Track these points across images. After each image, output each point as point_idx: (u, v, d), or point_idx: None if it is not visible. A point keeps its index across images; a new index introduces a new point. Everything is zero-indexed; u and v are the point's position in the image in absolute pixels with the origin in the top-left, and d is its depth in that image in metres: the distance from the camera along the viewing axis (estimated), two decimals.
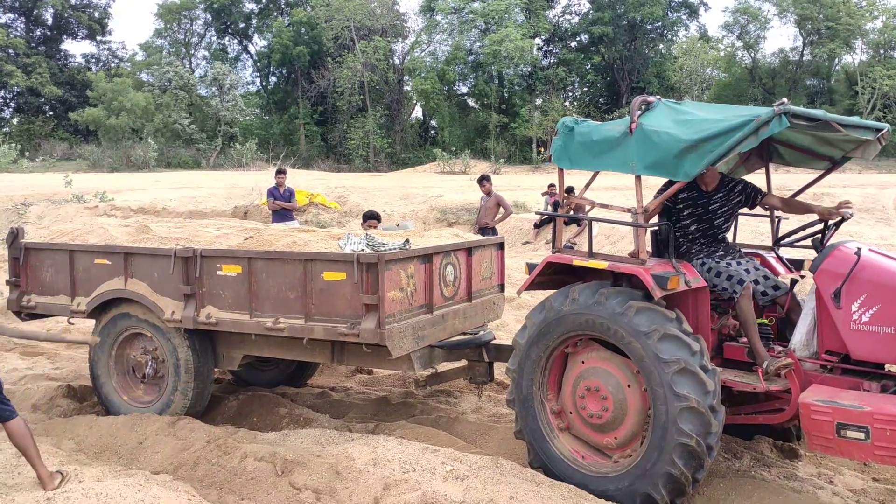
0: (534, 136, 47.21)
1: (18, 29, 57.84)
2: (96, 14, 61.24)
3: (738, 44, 51.67)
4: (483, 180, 12.14)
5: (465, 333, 6.01)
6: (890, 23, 44.75)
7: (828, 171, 5.24)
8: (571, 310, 4.60)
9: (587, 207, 5.28)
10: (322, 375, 7.68)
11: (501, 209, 12.03)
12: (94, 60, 62.07)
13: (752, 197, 5.13)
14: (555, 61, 52.98)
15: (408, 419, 6.09)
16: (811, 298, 4.57)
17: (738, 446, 5.34)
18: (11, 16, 57.47)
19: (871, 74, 42.32)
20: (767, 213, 5.42)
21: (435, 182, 31.33)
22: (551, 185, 18.07)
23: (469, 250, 5.98)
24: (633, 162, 4.44)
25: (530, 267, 5.01)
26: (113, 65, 60.10)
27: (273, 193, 12.24)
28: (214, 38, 62.33)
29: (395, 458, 4.60)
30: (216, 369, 6.26)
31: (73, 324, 6.73)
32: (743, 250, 5.24)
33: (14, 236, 6.35)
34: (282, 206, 12.19)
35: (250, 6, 61.09)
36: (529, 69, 49.99)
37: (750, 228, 11.02)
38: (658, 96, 4.71)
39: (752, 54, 51.52)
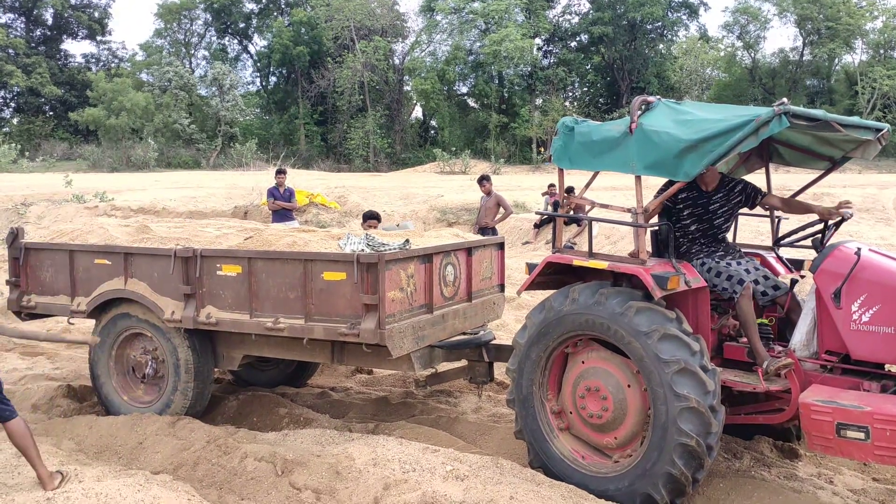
0: (534, 136, 47.22)
1: (18, 29, 57.86)
2: (96, 14, 61.27)
3: (738, 44, 51.70)
4: (483, 180, 12.14)
5: (465, 333, 6.01)
6: (890, 23, 44.76)
7: (828, 171, 5.24)
8: (571, 310, 4.60)
9: (587, 207, 5.28)
10: (322, 375, 7.68)
11: (501, 209, 12.04)
12: (94, 60, 62.16)
13: (753, 197, 5.13)
14: (555, 61, 52.99)
15: (408, 419, 6.09)
16: (811, 298, 4.57)
17: (738, 446, 5.34)
18: (11, 16, 57.55)
19: (871, 74, 42.33)
20: (767, 213, 5.43)
21: (435, 182, 31.34)
22: (551, 185, 18.07)
23: (469, 250, 5.98)
24: (633, 162, 4.44)
25: (530, 267, 5.01)
26: (113, 65, 60.12)
27: (273, 193, 12.24)
28: (214, 38, 62.39)
29: (395, 458, 4.60)
30: (216, 369, 6.26)
31: (73, 324, 6.74)
32: (743, 250, 5.24)
33: (14, 236, 6.35)
34: (282, 206, 12.19)
35: (250, 6, 61.16)
36: (529, 69, 50.00)
37: (750, 228, 11.02)
38: (658, 96, 4.71)
39: (752, 54, 51.54)
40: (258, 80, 62.24)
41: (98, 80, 48.78)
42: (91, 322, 6.38)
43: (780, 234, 5.32)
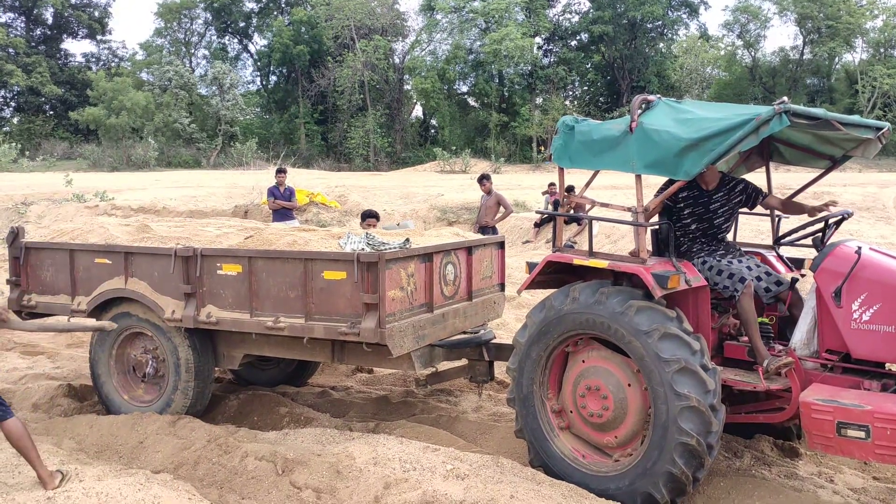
0: (534, 135, 47.21)
1: (18, 28, 57.86)
2: (96, 13, 61.27)
3: (739, 42, 51.69)
4: (483, 179, 12.14)
5: (465, 332, 6.01)
6: (890, 21, 44.74)
7: (828, 170, 5.24)
8: (572, 309, 4.60)
9: (587, 206, 5.28)
10: (322, 374, 7.68)
11: (502, 208, 12.03)
12: (94, 60, 62.16)
13: (753, 197, 5.13)
14: (555, 60, 52.98)
15: (408, 418, 6.09)
16: (811, 297, 4.57)
17: (739, 445, 5.34)
18: (11, 15, 57.54)
19: (872, 73, 42.30)
20: (768, 212, 5.43)
21: (435, 181, 31.33)
22: (551, 184, 18.06)
23: (469, 249, 5.98)
24: (633, 161, 4.44)
25: (530, 266, 5.01)
26: (113, 64, 60.11)
27: (273, 192, 12.24)
28: (214, 38, 62.39)
29: (395, 457, 4.60)
30: (217, 368, 6.26)
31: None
32: (743, 249, 5.24)
33: (14, 236, 6.35)
34: (282, 206, 12.19)
35: (250, 5, 61.18)
36: (530, 68, 50.00)
37: (750, 227, 11.03)
38: (658, 95, 4.71)
39: (753, 53, 51.52)
40: (258, 79, 62.36)
41: (98, 80, 48.78)
42: (91, 321, 6.37)
43: (780, 233, 5.32)
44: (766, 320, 4.99)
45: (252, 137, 49.15)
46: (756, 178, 5.57)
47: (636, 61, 51.94)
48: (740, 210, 5.21)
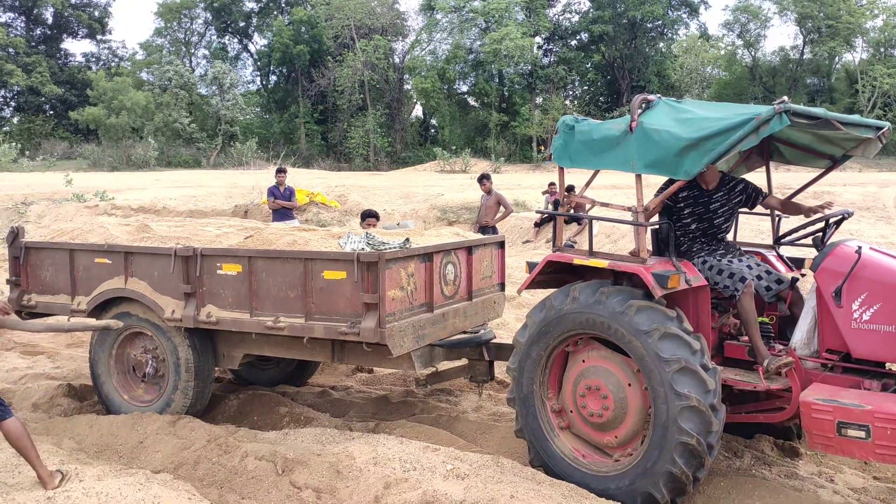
0: (534, 134, 47.20)
1: (18, 28, 57.87)
2: (96, 13, 61.27)
3: (739, 42, 51.68)
4: (483, 179, 12.14)
5: (465, 332, 6.01)
6: (890, 21, 44.74)
7: (828, 170, 5.23)
8: (572, 308, 4.60)
9: (587, 206, 5.27)
10: (322, 374, 7.68)
11: (502, 208, 12.03)
12: (94, 59, 62.17)
13: (753, 197, 5.13)
14: (555, 60, 52.97)
15: (408, 418, 6.09)
16: (812, 297, 4.57)
17: (739, 445, 5.34)
18: (11, 15, 57.55)
19: (872, 73, 42.29)
20: (768, 212, 5.43)
21: (435, 181, 31.33)
22: (551, 184, 18.06)
23: (469, 249, 5.98)
24: (633, 160, 4.44)
25: (531, 266, 5.01)
26: (113, 64, 60.12)
27: (273, 192, 12.24)
28: (214, 37, 62.39)
29: (395, 457, 4.60)
30: (216, 368, 6.26)
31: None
32: (743, 249, 5.24)
33: (14, 235, 6.35)
34: (282, 205, 12.19)
35: (250, 5, 61.19)
36: (530, 68, 49.99)
37: (751, 227, 11.03)
38: (658, 95, 4.71)
39: (753, 53, 51.51)
40: (258, 78, 62.36)
41: (98, 80, 48.78)
42: (91, 321, 6.37)
43: (780, 233, 5.31)
44: (766, 320, 4.98)
45: (252, 137, 49.14)
46: (756, 177, 5.57)
47: (636, 61, 51.93)
48: (740, 210, 5.21)
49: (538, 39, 52.56)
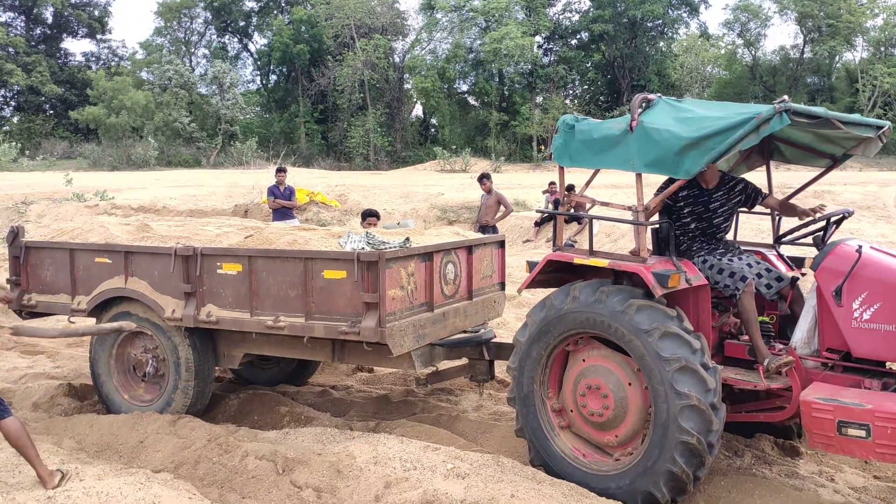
0: (534, 134, 47.17)
1: (18, 27, 57.84)
2: (96, 12, 61.23)
3: (739, 41, 51.64)
4: (483, 178, 12.14)
5: (465, 331, 6.01)
6: (890, 20, 44.71)
7: (829, 169, 5.23)
8: (572, 308, 4.60)
9: (588, 205, 5.27)
10: (323, 374, 7.68)
11: (502, 207, 12.03)
12: (94, 59, 62.15)
13: (753, 197, 5.13)
14: (555, 59, 52.94)
15: (409, 417, 6.09)
16: (812, 296, 4.57)
17: (739, 444, 5.34)
18: (11, 14, 57.51)
19: (872, 72, 42.26)
20: (768, 211, 5.42)
21: (435, 180, 31.32)
22: (552, 183, 18.05)
23: (469, 248, 5.98)
24: (633, 160, 4.44)
25: (531, 265, 5.01)
26: (113, 63, 60.09)
27: (273, 192, 12.24)
28: (214, 37, 62.37)
29: (396, 457, 4.60)
30: (217, 368, 6.26)
31: (73, 322, 6.73)
32: (743, 248, 5.24)
33: (14, 235, 6.35)
34: (282, 205, 12.18)
35: (250, 4, 61.15)
36: (530, 67, 49.96)
37: (751, 226, 11.02)
38: (659, 94, 4.70)
39: (753, 52, 51.48)
40: (258, 78, 62.34)
41: (98, 79, 48.75)
42: (92, 321, 6.37)
43: (780, 232, 5.31)
44: (766, 319, 4.98)
45: (252, 136, 49.12)
46: (756, 176, 5.57)
47: (636, 60, 51.90)
48: (739, 210, 5.21)
49: (538, 39, 52.52)
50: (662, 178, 4.82)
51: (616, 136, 4.55)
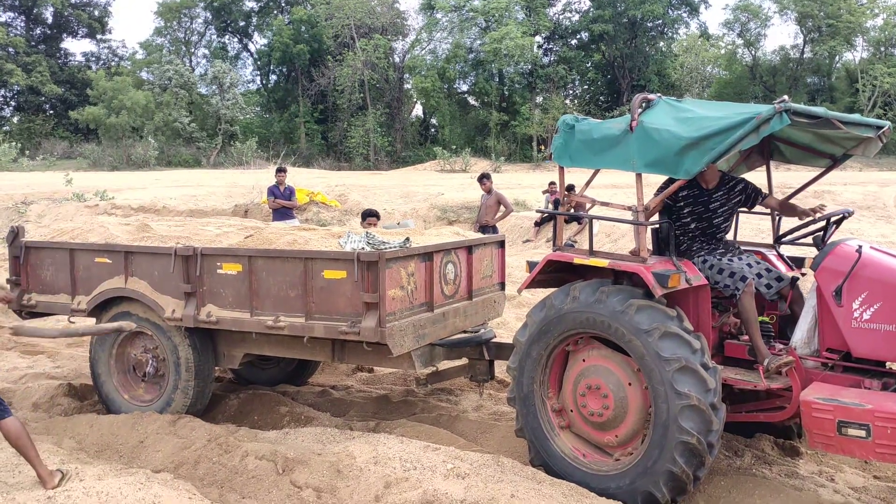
0: (534, 134, 47.17)
1: (18, 27, 57.84)
2: (96, 12, 61.23)
3: (739, 41, 51.63)
4: (483, 178, 12.13)
5: (465, 331, 6.01)
6: (890, 20, 44.71)
7: (829, 169, 5.23)
8: (572, 308, 4.60)
9: (588, 205, 5.27)
10: (323, 374, 7.68)
11: (502, 207, 12.03)
12: (94, 59, 62.14)
13: (753, 198, 5.13)
14: (555, 59, 52.94)
15: (409, 417, 6.09)
16: (812, 296, 4.57)
17: (739, 444, 5.34)
18: (11, 14, 57.51)
19: (872, 72, 42.26)
20: (768, 211, 5.42)
21: (435, 180, 31.32)
22: (552, 183, 18.05)
23: (469, 248, 5.98)
24: (633, 160, 4.44)
25: (531, 265, 5.01)
26: (113, 63, 60.08)
27: (273, 192, 12.23)
28: (214, 37, 62.36)
29: (396, 457, 4.60)
30: (217, 368, 6.26)
31: (73, 322, 6.73)
32: (742, 248, 5.24)
33: (14, 235, 6.35)
34: (282, 205, 12.18)
35: (250, 4, 61.14)
36: (530, 67, 49.96)
37: (751, 226, 11.02)
38: (659, 94, 4.70)
39: (753, 52, 51.48)
40: (258, 78, 62.33)
41: (98, 79, 48.75)
42: (92, 321, 6.37)
43: (780, 232, 5.31)
44: (766, 319, 4.98)
45: (252, 136, 49.11)
46: (756, 177, 5.57)
47: (636, 60, 51.90)
48: (739, 210, 5.21)
49: (538, 39, 52.52)
50: (662, 178, 4.82)
51: (616, 136, 4.55)
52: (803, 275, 5.22)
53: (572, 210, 4.99)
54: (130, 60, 59.74)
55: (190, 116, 49.76)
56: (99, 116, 46.51)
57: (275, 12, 60.37)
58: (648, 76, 50.10)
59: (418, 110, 58.88)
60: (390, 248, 5.12)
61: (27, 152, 43.43)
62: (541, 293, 5.27)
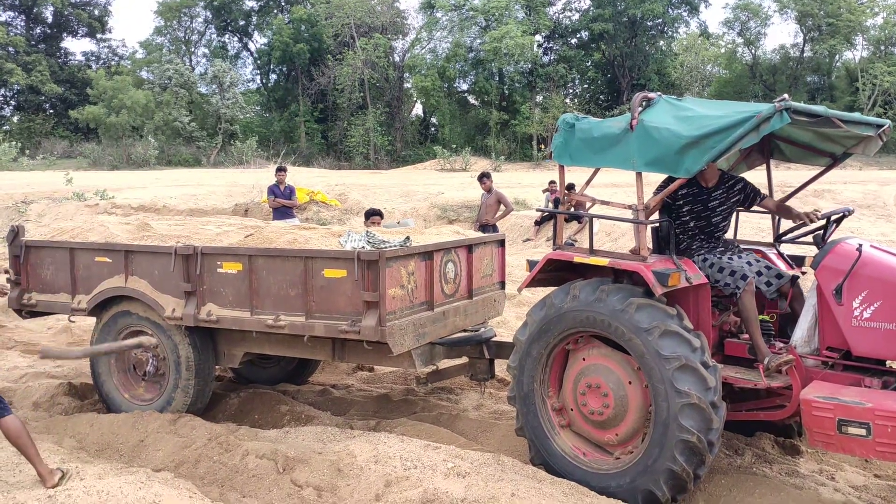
0: (534, 133, 47.16)
1: (18, 27, 57.80)
2: (96, 12, 61.18)
3: (739, 40, 51.61)
4: (483, 177, 12.13)
5: (465, 330, 6.01)
6: (890, 19, 44.70)
7: (829, 168, 5.23)
8: (572, 307, 4.60)
9: (588, 204, 5.27)
10: (323, 373, 7.68)
11: (502, 206, 12.03)
12: (94, 58, 62.05)
13: (751, 197, 5.13)
14: (555, 58, 52.92)
15: (409, 416, 6.09)
16: (812, 295, 4.57)
17: (740, 443, 5.34)
18: (11, 14, 57.47)
19: (872, 71, 42.25)
20: (766, 211, 5.42)
21: (435, 179, 31.31)
22: (552, 182, 18.06)
23: (470, 247, 5.98)
24: (633, 158, 4.44)
25: (531, 264, 5.01)
26: (113, 62, 60.05)
27: (273, 191, 12.24)
28: (214, 36, 62.31)
29: (396, 456, 4.60)
30: (217, 367, 6.26)
31: (73, 321, 6.74)
32: (742, 246, 5.24)
33: (15, 234, 6.35)
34: (282, 204, 12.19)
35: (250, 3, 61.08)
36: (530, 66, 49.93)
37: (751, 225, 11.01)
38: (659, 93, 4.70)
39: (753, 51, 51.46)
40: (258, 77, 62.28)
41: (98, 78, 48.71)
42: (91, 320, 6.38)
43: (781, 231, 5.31)
44: (766, 318, 4.99)
45: (252, 136, 49.10)
46: (757, 175, 5.56)
47: (636, 59, 51.89)
48: (737, 209, 5.21)
49: (538, 38, 52.49)
50: (662, 177, 4.82)
51: (616, 135, 4.55)
52: (803, 273, 5.22)
53: (572, 209, 4.99)
54: (130, 60, 59.69)
55: (190, 116, 49.73)
56: (99, 116, 46.49)
57: (275, 11, 60.32)
58: (648, 75, 50.07)
59: (418, 109, 58.89)
60: (390, 247, 5.12)
61: (27, 152, 43.44)
62: (541, 292, 5.28)
